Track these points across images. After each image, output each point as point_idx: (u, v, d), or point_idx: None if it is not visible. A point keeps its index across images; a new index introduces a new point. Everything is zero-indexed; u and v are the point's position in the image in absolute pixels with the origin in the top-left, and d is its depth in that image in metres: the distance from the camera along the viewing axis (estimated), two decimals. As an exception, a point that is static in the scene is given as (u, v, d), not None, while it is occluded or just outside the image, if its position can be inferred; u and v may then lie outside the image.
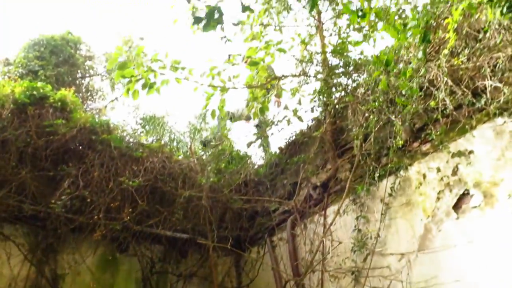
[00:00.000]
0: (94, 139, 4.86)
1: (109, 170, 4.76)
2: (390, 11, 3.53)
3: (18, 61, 8.40)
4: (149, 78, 3.81)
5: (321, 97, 4.65)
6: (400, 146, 3.74)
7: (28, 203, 4.38)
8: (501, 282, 2.89)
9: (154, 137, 6.65)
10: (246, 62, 6.25)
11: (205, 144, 6.79)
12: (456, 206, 3.31)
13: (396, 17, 3.54)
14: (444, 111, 3.41)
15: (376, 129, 3.90)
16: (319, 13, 5.31)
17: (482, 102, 3.20)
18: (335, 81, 4.60)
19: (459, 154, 3.35)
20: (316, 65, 4.88)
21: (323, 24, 5.24)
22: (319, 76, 4.77)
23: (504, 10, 2.56)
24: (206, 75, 4.05)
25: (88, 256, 4.88)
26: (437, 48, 3.62)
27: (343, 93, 4.56)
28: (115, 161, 4.83)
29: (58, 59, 8.81)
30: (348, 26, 5.05)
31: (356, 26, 4.78)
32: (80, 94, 9.32)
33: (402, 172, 3.81)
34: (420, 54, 3.37)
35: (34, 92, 4.75)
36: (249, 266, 5.71)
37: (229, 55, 4.01)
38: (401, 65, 3.62)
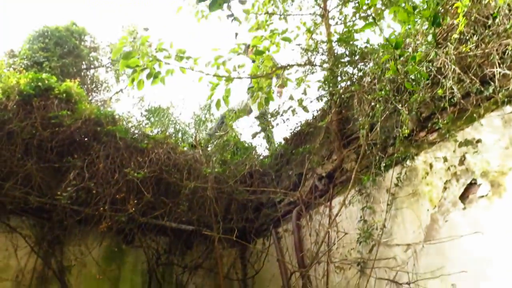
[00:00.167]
0: (99, 131, 4.86)
1: (115, 162, 4.76)
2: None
3: (23, 52, 8.42)
4: (154, 67, 3.79)
5: (326, 86, 4.61)
6: (407, 135, 3.69)
7: (34, 195, 4.40)
8: (509, 273, 2.85)
9: (159, 128, 6.65)
10: (248, 54, 6.23)
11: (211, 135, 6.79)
12: (463, 196, 3.26)
13: (403, 5, 3.46)
14: (452, 100, 3.35)
15: (382, 118, 3.85)
16: (324, 1, 5.25)
17: (491, 90, 3.14)
18: (341, 70, 4.55)
19: (467, 143, 3.30)
20: (322, 54, 4.83)
21: (328, 12, 5.17)
22: (325, 65, 4.72)
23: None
24: (211, 64, 4.02)
25: (94, 248, 4.90)
26: (444, 35, 3.55)
27: (349, 82, 4.51)
28: (120, 153, 4.82)
29: (62, 51, 8.82)
30: (354, 14, 5.00)
31: (362, 14, 4.72)
32: (85, 86, 9.34)
33: (408, 162, 3.77)
34: (430, 38, 3.31)
35: (39, 84, 4.75)
36: (255, 258, 5.72)
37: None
38: (409, 50, 3.55)
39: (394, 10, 2.90)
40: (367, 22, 4.64)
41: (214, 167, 5.45)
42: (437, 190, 3.47)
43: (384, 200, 3.92)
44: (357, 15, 4.94)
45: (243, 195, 5.47)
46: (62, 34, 9.07)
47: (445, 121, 3.41)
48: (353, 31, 4.72)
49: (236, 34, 3.96)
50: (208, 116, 7.17)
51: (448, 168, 3.40)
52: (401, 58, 3.51)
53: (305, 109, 4.96)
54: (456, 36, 3.26)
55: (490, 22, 3.22)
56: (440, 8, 3.54)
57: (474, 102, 3.26)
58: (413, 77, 3.44)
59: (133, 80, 3.83)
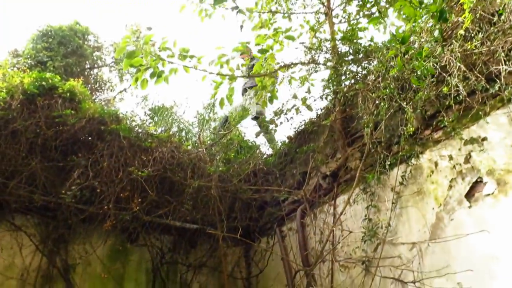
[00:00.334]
0: (103, 130, 4.86)
1: (118, 160, 4.76)
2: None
3: (27, 52, 8.45)
4: (158, 67, 3.79)
5: (330, 85, 4.59)
6: (411, 133, 3.67)
7: (39, 194, 4.41)
8: (515, 271, 2.84)
9: (162, 127, 6.65)
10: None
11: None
12: (469, 195, 3.24)
13: None
14: (457, 97, 3.33)
15: (387, 116, 3.83)
16: (328, -1, 5.23)
17: (496, 87, 3.12)
18: (344, 68, 4.53)
19: (472, 141, 3.29)
20: (326, 52, 4.81)
21: (332, 10, 5.15)
22: (329, 63, 4.71)
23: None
24: (215, 63, 4.02)
25: (98, 247, 4.91)
26: (449, 32, 3.53)
27: (353, 80, 4.49)
28: (124, 151, 4.82)
29: (66, 50, 8.84)
30: (358, 12, 4.98)
31: (366, 12, 4.70)
32: (89, 85, 9.36)
33: (413, 160, 3.75)
34: (436, 33, 3.29)
35: (43, 83, 4.76)
36: (259, 256, 5.71)
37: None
38: (415, 46, 3.53)
39: (400, 5, 2.88)
40: (371, 18, 4.62)
41: (218, 166, 5.45)
42: (442, 189, 3.45)
43: (389, 199, 3.90)
44: (361, 13, 4.92)
45: (247, 194, 5.46)
46: (65, 33, 9.08)
47: (451, 119, 3.39)
48: (357, 29, 4.70)
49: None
50: (211, 115, 7.17)
51: (454, 166, 3.39)
52: (406, 56, 3.49)
53: (309, 107, 4.95)
54: (461, 32, 3.24)
55: (495, 19, 3.20)
56: (445, 6, 3.51)
57: (480, 100, 3.24)
58: (418, 74, 3.42)
59: (136, 79, 3.83)
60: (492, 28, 3.20)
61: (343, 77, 4.55)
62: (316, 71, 4.76)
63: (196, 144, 6.17)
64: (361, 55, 4.50)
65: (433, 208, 3.50)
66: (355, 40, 4.58)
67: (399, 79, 3.76)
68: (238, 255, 5.92)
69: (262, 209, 5.66)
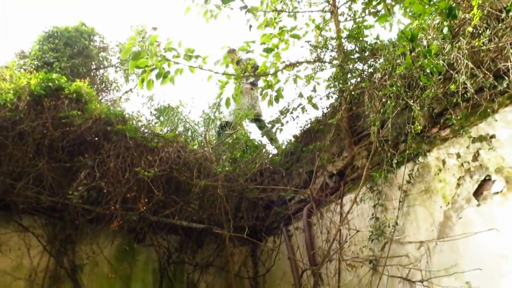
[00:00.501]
0: (109, 130, 4.86)
1: (125, 161, 4.77)
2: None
3: (33, 53, 8.49)
4: (163, 67, 3.80)
5: (336, 83, 4.57)
6: (419, 131, 3.64)
7: (46, 194, 4.43)
8: (525, 270, 2.81)
9: (168, 127, 6.66)
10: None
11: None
12: (477, 193, 3.21)
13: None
14: (465, 95, 3.30)
15: (394, 114, 3.81)
16: (333, -3, 5.21)
17: (504, 84, 3.09)
18: (350, 66, 4.51)
19: (480, 139, 3.26)
20: (331, 51, 4.80)
21: (338, 8, 5.13)
22: (335, 62, 4.69)
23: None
24: (220, 63, 4.02)
25: (105, 247, 4.92)
26: (456, 29, 3.50)
27: (359, 79, 4.47)
28: (130, 152, 4.83)
29: (72, 51, 8.87)
30: (364, 10, 4.96)
31: (372, 10, 4.68)
32: (95, 86, 9.39)
33: (420, 159, 3.73)
34: (445, 30, 3.26)
35: (50, 84, 4.77)
36: (266, 256, 5.71)
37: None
38: (424, 43, 3.50)
39: (409, 2, 2.86)
40: (379, 15, 4.60)
41: (224, 165, 5.44)
42: (450, 187, 3.42)
43: (396, 197, 3.88)
44: (367, 11, 4.89)
45: (253, 193, 5.45)
46: (71, 34, 9.12)
47: (458, 117, 3.37)
48: (362, 27, 4.68)
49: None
50: (217, 115, 7.15)
51: (462, 165, 3.36)
52: (413, 54, 3.47)
53: (315, 106, 4.94)
54: (470, 29, 3.21)
55: (503, 15, 3.17)
56: (452, 3, 3.49)
57: (488, 97, 3.21)
58: (426, 71, 3.39)
59: (142, 80, 3.84)
60: (500, 24, 3.17)
61: (349, 75, 4.53)
62: (322, 70, 4.75)
63: (202, 144, 6.16)
64: (367, 53, 4.48)
65: (441, 207, 3.47)
66: (361, 38, 4.56)
67: (405, 77, 3.74)
68: (244, 254, 5.91)
69: (269, 209, 5.65)
